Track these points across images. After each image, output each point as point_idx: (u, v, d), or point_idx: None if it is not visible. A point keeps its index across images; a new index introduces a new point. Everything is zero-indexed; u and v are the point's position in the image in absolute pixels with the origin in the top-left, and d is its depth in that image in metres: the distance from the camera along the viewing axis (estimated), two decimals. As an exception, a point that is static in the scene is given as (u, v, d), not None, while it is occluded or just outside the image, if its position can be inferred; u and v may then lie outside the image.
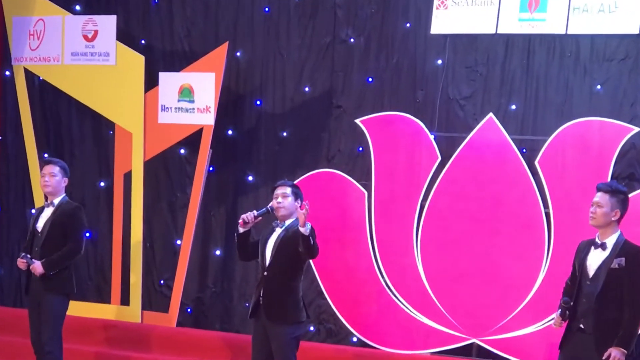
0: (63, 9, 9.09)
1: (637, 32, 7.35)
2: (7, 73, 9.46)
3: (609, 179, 7.23)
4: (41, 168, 7.54)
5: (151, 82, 8.81)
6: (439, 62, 8.17)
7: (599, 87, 7.73)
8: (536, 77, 7.92)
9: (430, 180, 7.89)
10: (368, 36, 8.46)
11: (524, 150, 7.77)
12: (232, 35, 8.89)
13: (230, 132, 8.89)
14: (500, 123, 7.75)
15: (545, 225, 7.54)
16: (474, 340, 7.72)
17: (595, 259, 5.88)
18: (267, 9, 8.83)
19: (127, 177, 8.95)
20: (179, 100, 8.67)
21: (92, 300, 9.10)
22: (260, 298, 6.57)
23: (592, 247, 5.92)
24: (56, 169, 7.32)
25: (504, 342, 7.61)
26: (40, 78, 9.37)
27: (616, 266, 5.79)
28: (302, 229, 6.30)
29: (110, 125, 9.12)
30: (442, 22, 7.90)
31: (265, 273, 6.59)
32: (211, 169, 8.80)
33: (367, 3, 8.47)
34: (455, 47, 8.12)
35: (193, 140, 8.73)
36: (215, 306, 8.93)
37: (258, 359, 6.64)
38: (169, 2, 9.16)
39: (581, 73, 7.78)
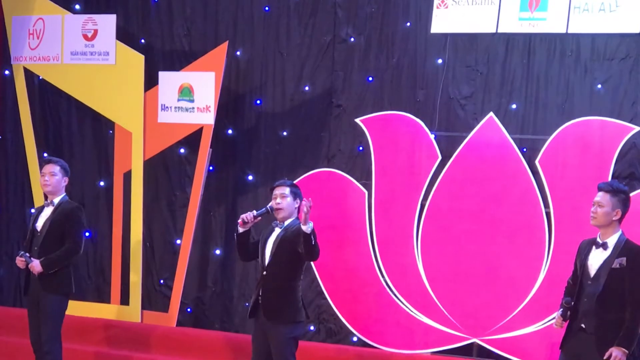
0: (63, 8, 9.08)
1: (637, 32, 7.33)
2: (7, 72, 9.45)
3: (609, 179, 7.21)
4: (41, 167, 7.50)
5: (151, 81, 8.80)
6: (440, 61, 8.16)
7: (599, 86, 7.72)
8: (537, 77, 7.91)
9: (431, 179, 7.88)
10: (368, 35, 8.45)
11: (525, 149, 7.76)
12: (232, 35, 8.89)
13: (230, 131, 8.88)
14: (501, 122, 7.74)
15: (546, 224, 7.53)
16: (474, 339, 7.71)
17: (596, 259, 5.87)
18: (267, 8, 8.82)
19: (127, 176, 8.94)
20: (178, 100, 8.66)
21: (91, 300, 9.10)
22: (259, 297, 6.56)
23: (594, 247, 5.91)
24: (56, 169, 7.30)
25: (505, 342, 7.60)
26: (40, 77, 9.36)
27: (617, 266, 5.77)
28: (303, 227, 6.26)
29: (110, 124, 9.12)
30: (443, 22, 7.89)
31: (265, 273, 6.58)
32: (211, 168, 8.79)
33: (367, 2, 8.45)
34: (455, 46, 8.11)
35: (193, 139, 8.72)
36: (215, 306, 8.92)
37: (258, 358, 6.63)
38: (169, 1, 9.15)
39: (582, 72, 7.78)
